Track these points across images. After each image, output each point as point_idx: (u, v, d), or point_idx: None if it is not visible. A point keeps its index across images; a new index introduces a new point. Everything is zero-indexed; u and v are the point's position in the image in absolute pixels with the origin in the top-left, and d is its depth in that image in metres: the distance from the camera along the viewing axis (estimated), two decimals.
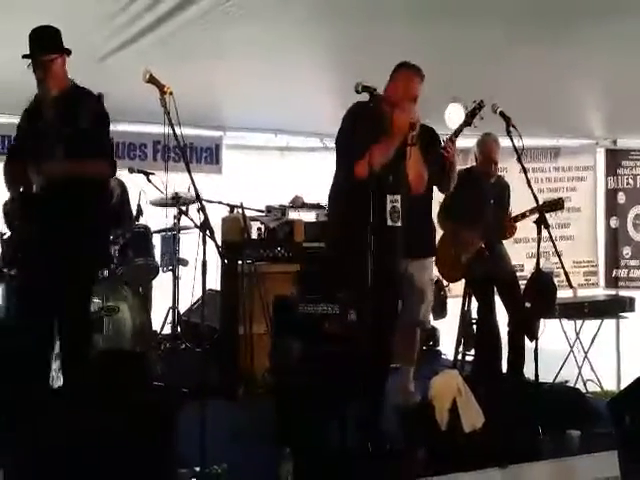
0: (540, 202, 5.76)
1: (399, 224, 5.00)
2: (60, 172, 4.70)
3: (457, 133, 5.97)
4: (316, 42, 6.70)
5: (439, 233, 6.95)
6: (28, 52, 4.76)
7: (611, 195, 10.23)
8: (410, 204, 5.43)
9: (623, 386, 6.72)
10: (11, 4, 5.46)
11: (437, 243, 6.95)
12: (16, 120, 5.10)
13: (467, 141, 7.10)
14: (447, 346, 7.87)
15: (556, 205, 6.41)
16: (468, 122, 6.00)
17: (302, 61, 7.00)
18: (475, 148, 6.85)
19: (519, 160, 5.39)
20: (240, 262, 6.91)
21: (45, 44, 4.77)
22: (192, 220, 6.50)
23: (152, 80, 4.58)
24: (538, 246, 5.26)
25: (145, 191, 7.17)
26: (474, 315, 6.83)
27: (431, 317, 7.88)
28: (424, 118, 6.01)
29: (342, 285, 4.74)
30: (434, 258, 6.37)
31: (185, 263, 7.16)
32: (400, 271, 5.28)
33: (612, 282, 10.09)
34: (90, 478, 3.93)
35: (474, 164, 6.94)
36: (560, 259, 5.47)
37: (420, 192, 5.15)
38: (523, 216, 6.54)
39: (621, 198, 10.18)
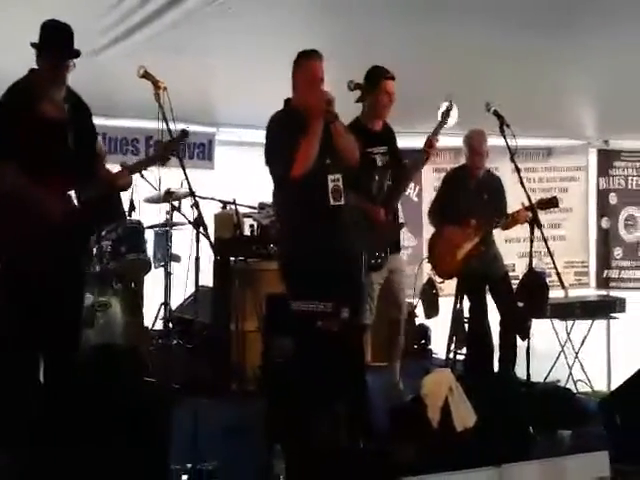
0: (533, 202, 5.79)
1: (342, 202, 5.06)
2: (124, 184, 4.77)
3: (435, 134, 6.00)
4: (309, 38, 6.68)
5: (429, 231, 7.03)
6: (44, 44, 4.48)
7: (603, 196, 10.23)
8: None
9: (613, 386, 6.75)
10: None
11: (430, 240, 6.99)
12: None
13: (458, 140, 7.10)
14: (439, 345, 7.87)
15: (550, 203, 6.42)
16: (444, 122, 6.03)
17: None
18: (463, 144, 6.87)
19: (512, 159, 5.40)
20: (232, 259, 6.91)
21: (72, 48, 4.53)
22: (185, 216, 6.48)
23: (146, 75, 4.57)
24: (531, 246, 5.28)
25: (137, 186, 7.13)
26: (466, 314, 6.83)
27: (423, 315, 7.93)
28: (419, 116, 6.08)
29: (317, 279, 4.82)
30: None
31: (177, 259, 7.14)
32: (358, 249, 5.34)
33: (603, 283, 10.09)
34: (81, 475, 3.91)
35: (464, 162, 6.96)
36: (552, 259, 5.48)
37: (355, 163, 5.18)
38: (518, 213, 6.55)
39: (613, 199, 10.19)
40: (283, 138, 4.99)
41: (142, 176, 6.80)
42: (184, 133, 4.67)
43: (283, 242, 5.38)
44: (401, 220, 6.51)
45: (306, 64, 5.11)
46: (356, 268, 5.04)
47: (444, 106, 6.02)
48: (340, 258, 4.94)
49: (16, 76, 4.61)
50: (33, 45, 4.45)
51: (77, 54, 4.51)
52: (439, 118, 6.00)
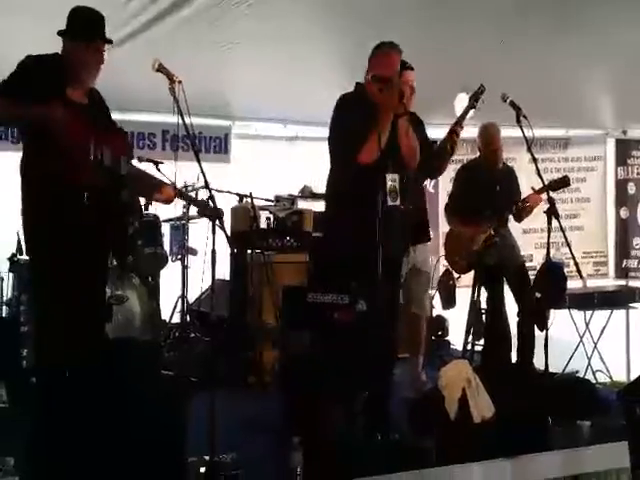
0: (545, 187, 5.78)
1: (397, 203, 5.03)
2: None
3: (463, 117, 6.00)
4: (325, 32, 6.68)
5: (445, 223, 7.01)
6: (76, 26, 4.48)
7: (621, 185, 10.19)
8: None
9: (633, 377, 6.70)
10: None
11: (446, 235, 6.98)
12: None
13: (474, 131, 7.06)
14: (456, 336, 7.86)
15: (562, 183, 6.37)
16: (472, 106, 5.99)
17: (311, 51, 6.99)
18: (477, 138, 6.83)
19: (529, 150, 5.37)
20: (249, 252, 6.92)
21: (104, 32, 4.54)
22: None
23: (161, 69, 4.57)
24: (548, 236, 5.24)
25: None
26: (483, 305, 6.81)
27: (440, 307, 7.93)
28: (433, 109, 6.06)
29: (353, 274, 4.76)
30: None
31: (194, 252, 7.15)
32: (403, 253, 5.32)
33: (622, 272, 10.06)
34: (99, 466, 3.93)
35: (477, 155, 6.93)
36: (570, 249, 5.46)
37: (414, 166, 5.15)
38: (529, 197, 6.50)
39: (631, 188, 10.15)
40: (354, 119, 4.93)
41: (158, 170, 6.88)
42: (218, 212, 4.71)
43: (328, 225, 5.32)
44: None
45: (381, 55, 5.07)
46: (397, 266, 5.03)
47: (470, 91, 5.97)
48: (383, 256, 4.84)
49: None
50: (60, 33, 4.46)
51: (109, 40, 4.54)
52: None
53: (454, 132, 5.95)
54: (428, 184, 9.30)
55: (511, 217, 6.64)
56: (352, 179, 4.93)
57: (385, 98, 4.88)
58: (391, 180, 4.98)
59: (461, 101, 7.74)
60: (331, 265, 5.03)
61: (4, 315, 6.35)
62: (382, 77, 4.94)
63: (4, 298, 6.39)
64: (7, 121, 4.53)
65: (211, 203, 4.59)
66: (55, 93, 4.35)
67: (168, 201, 5.08)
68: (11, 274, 6.37)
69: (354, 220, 4.84)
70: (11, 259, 6.30)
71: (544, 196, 5.86)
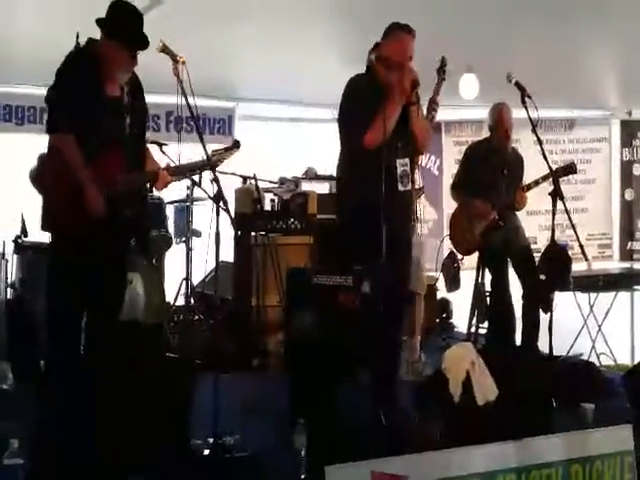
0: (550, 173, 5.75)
1: (409, 187, 5.00)
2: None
3: (437, 91, 6.02)
4: (329, 13, 6.66)
5: (452, 206, 6.97)
6: (120, 29, 4.34)
7: (626, 167, 10.15)
8: None
9: (637, 359, 6.71)
10: None
11: (451, 216, 6.96)
12: None
13: (479, 112, 7.03)
14: (460, 319, 7.86)
15: (568, 170, 6.34)
16: (443, 78, 6.00)
17: (315, 32, 6.96)
18: (488, 118, 6.78)
19: (534, 131, 5.34)
20: (253, 234, 6.91)
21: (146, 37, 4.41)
22: (205, 191, 6.47)
23: (165, 50, 4.54)
24: (553, 218, 5.22)
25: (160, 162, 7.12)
26: (488, 287, 6.80)
27: (444, 289, 7.93)
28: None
29: (359, 256, 4.73)
30: None
31: (198, 234, 7.15)
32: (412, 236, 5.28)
33: (627, 255, 10.03)
34: (104, 449, 3.94)
35: (487, 136, 6.89)
36: (575, 231, 5.42)
37: (427, 148, 5.08)
38: (536, 183, 6.46)
39: (636, 170, 10.10)
40: (362, 102, 4.85)
41: (163, 152, 6.85)
42: (236, 144, 4.64)
43: (345, 215, 5.21)
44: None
45: (397, 37, 4.92)
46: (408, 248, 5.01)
47: (438, 62, 5.96)
48: (394, 239, 4.71)
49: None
50: (100, 23, 4.33)
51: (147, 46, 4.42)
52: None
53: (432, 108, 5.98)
54: (432, 166, 9.32)
55: None
56: (359, 162, 4.87)
57: (396, 83, 4.78)
58: (402, 165, 4.95)
59: (467, 82, 7.74)
60: (342, 248, 4.99)
61: (9, 297, 6.35)
62: (392, 61, 4.85)
63: (8, 280, 6.38)
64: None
65: (215, 185, 4.57)
66: (95, 93, 4.32)
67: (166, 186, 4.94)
68: (15, 256, 6.36)
69: (363, 204, 4.77)
70: (15, 241, 6.30)
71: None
